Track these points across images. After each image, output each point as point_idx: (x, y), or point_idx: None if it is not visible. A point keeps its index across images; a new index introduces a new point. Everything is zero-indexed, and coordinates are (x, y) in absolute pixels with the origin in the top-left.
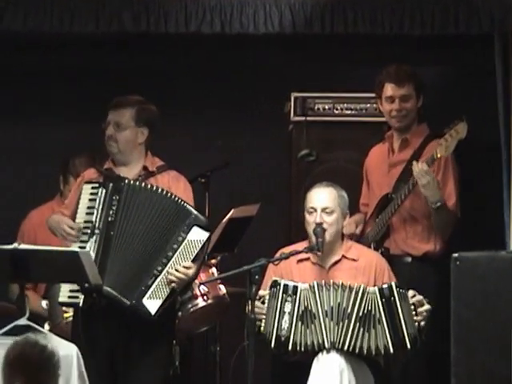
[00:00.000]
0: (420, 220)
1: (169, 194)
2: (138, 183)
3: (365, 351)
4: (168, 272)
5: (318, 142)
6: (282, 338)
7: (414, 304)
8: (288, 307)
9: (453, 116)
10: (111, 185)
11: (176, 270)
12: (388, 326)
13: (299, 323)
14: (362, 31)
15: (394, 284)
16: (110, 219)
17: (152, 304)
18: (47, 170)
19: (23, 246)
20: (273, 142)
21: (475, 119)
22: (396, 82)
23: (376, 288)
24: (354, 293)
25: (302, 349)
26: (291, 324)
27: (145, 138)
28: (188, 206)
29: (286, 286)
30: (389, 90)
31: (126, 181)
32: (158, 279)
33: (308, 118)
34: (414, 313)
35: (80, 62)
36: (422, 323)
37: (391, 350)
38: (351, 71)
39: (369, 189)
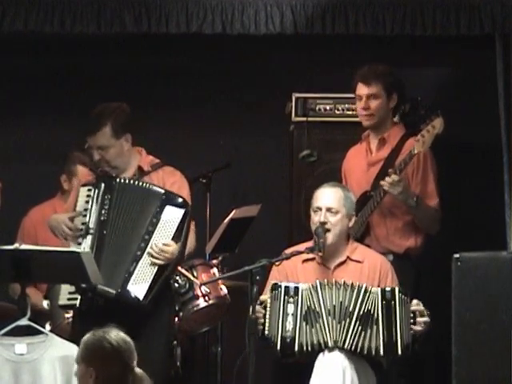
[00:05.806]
0: (400, 216)
1: (147, 185)
2: (127, 180)
3: (358, 350)
4: (148, 253)
5: (319, 143)
6: (288, 340)
7: (414, 313)
8: (291, 308)
9: (453, 117)
10: (103, 185)
11: (155, 249)
12: (383, 329)
13: (303, 323)
14: (363, 32)
15: (397, 289)
16: (102, 218)
17: (138, 289)
18: (47, 169)
19: (24, 247)
20: (274, 143)
21: (476, 120)
22: (363, 80)
23: (379, 289)
24: (356, 291)
25: (309, 348)
26: (295, 325)
27: (130, 143)
28: (156, 188)
29: (287, 287)
30: (358, 88)
31: (118, 179)
32: (140, 263)
33: (309, 119)
34: (412, 321)
35: (80, 62)
36: (418, 333)
37: (381, 353)
38: (352, 72)
39: None
